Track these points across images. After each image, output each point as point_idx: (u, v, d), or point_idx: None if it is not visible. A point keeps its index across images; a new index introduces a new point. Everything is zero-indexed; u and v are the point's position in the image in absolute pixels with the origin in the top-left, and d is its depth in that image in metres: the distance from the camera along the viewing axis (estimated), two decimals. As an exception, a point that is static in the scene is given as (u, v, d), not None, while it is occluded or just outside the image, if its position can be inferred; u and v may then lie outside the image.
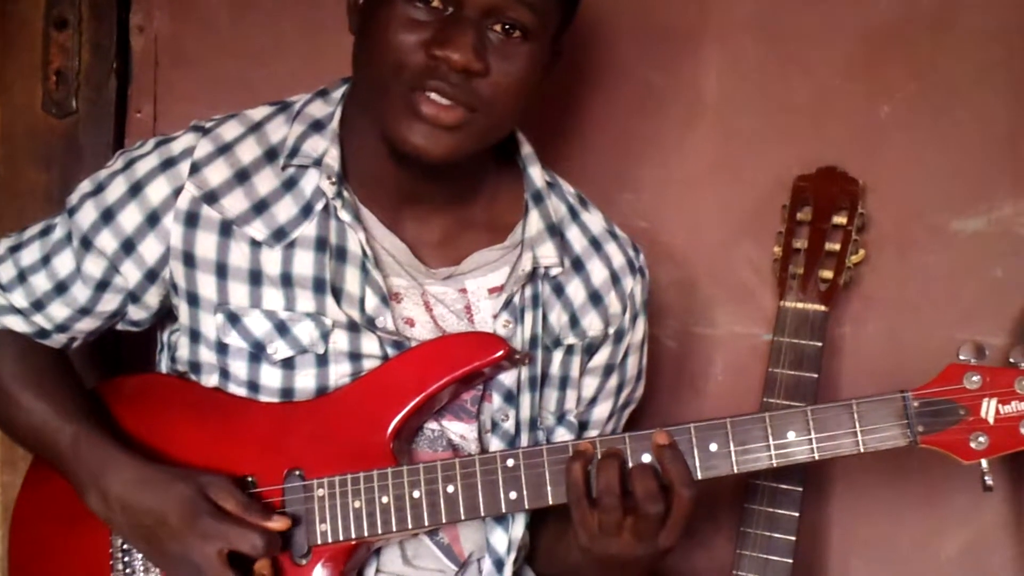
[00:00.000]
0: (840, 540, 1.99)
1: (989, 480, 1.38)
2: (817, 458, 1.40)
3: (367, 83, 1.46)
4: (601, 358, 1.67)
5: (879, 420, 1.39)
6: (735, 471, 1.41)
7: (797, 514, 1.79)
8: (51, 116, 2.03)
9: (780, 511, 1.79)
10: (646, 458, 1.41)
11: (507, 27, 1.40)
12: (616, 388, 1.70)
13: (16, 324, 1.59)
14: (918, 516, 1.96)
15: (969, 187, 1.93)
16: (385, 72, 1.41)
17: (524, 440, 1.57)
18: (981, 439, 1.37)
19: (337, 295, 1.50)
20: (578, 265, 1.63)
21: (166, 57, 2.05)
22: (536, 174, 1.62)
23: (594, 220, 1.67)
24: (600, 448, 1.43)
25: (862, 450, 1.39)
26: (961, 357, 1.39)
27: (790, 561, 1.78)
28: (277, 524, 1.45)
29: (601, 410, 1.70)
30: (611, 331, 1.65)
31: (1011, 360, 1.38)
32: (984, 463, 1.38)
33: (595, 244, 1.65)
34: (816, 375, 1.79)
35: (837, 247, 1.83)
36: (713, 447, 1.41)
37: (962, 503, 1.93)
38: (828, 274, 1.82)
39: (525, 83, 1.44)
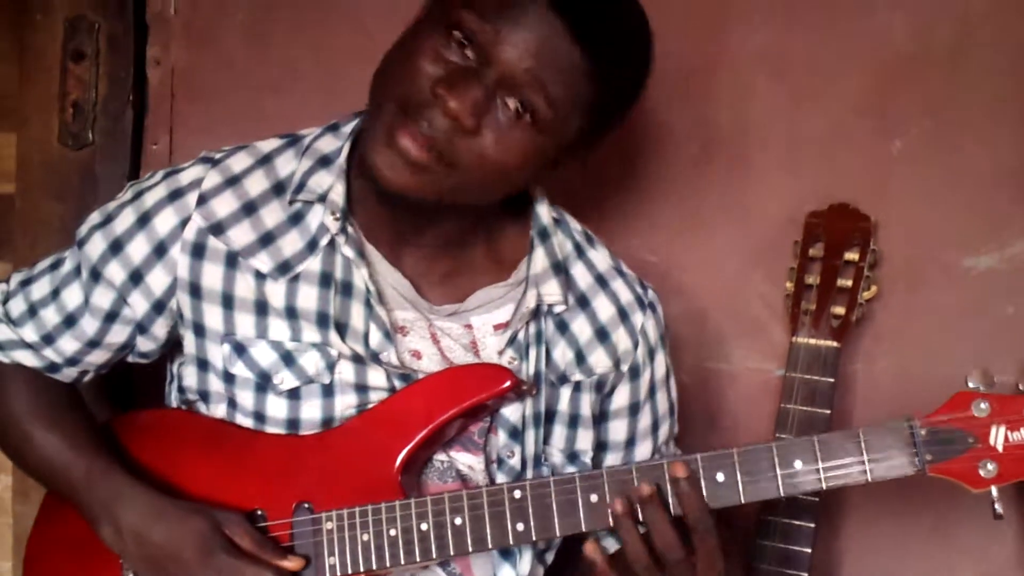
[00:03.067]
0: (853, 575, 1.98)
1: (999, 508, 1.37)
2: (825, 487, 1.39)
3: (372, 92, 1.44)
4: (622, 399, 1.66)
5: (886, 448, 1.38)
6: (743, 500, 1.40)
7: (809, 551, 1.78)
8: (67, 148, 2.05)
9: (793, 547, 1.78)
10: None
11: (520, 106, 1.38)
12: (651, 427, 1.70)
13: (27, 359, 1.60)
14: (930, 551, 1.94)
15: (981, 224, 1.92)
16: (389, 85, 1.40)
17: (530, 476, 1.56)
18: (990, 467, 1.36)
19: (341, 330, 1.50)
20: (583, 302, 1.62)
21: (182, 89, 2.07)
22: (543, 212, 1.62)
23: (600, 257, 1.66)
24: (608, 491, 1.42)
25: (870, 479, 1.38)
26: (970, 385, 1.38)
27: (803, 598, 1.78)
28: (292, 564, 1.45)
29: (642, 451, 1.69)
30: (624, 368, 1.64)
31: (1020, 388, 1.37)
32: (994, 491, 1.36)
33: (601, 281, 1.64)
34: (829, 411, 1.79)
35: (849, 283, 1.82)
36: (721, 477, 1.41)
37: (974, 539, 1.92)
38: (840, 310, 1.82)
39: (512, 163, 1.41)
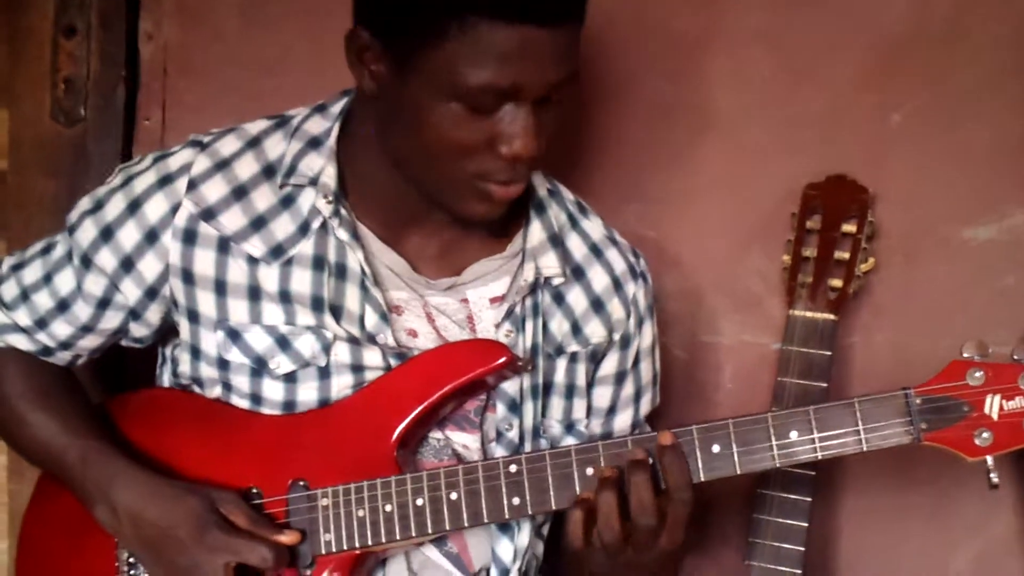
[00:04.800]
0: (849, 550, 1.98)
1: (995, 477, 1.37)
2: (820, 457, 1.39)
3: (415, 162, 1.45)
4: (610, 366, 1.66)
5: (882, 418, 1.38)
6: (738, 472, 1.41)
7: (806, 524, 1.78)
8: (59, 124, 2.04)
9: (789, 521, 1.78)
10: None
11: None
12: (634, 395, 1.70)
13: (20, 342, 1.60)
14: (928, 526, 1.95)
15: (980, 196, 1.91)
16: (445, 165, 1.41)
17: (528, 449, 1.56)
18: (985, 435, 1.36)
19: (336, 313, 1.50)
20: (579, 273, 1.62)
21: (175, 65, 2.05)
22: (538, 183, 1.61)
23: (594, 227, 1.66)
24: (604, 464, 1.42)
25: (865, 448, 1.38)
26: (964, 354, 1.39)
27: (799, 572, 1.77)
28: (287, 538, 1.45)
29: (622, 420, 1.70)
30: (616, 337, 1.64)
31: (1015, 357, 1.37)
32: (989, 460, 1.37)
33: (595, 251, 1.64)
34: (825, 384, 1.78)
35: (847, 256, 1.82)
36: (716, 448, 1.41)
37: (972, 513, 1.92)
38: (837, 283, 1.82)
39: (562, 122, 1.46)
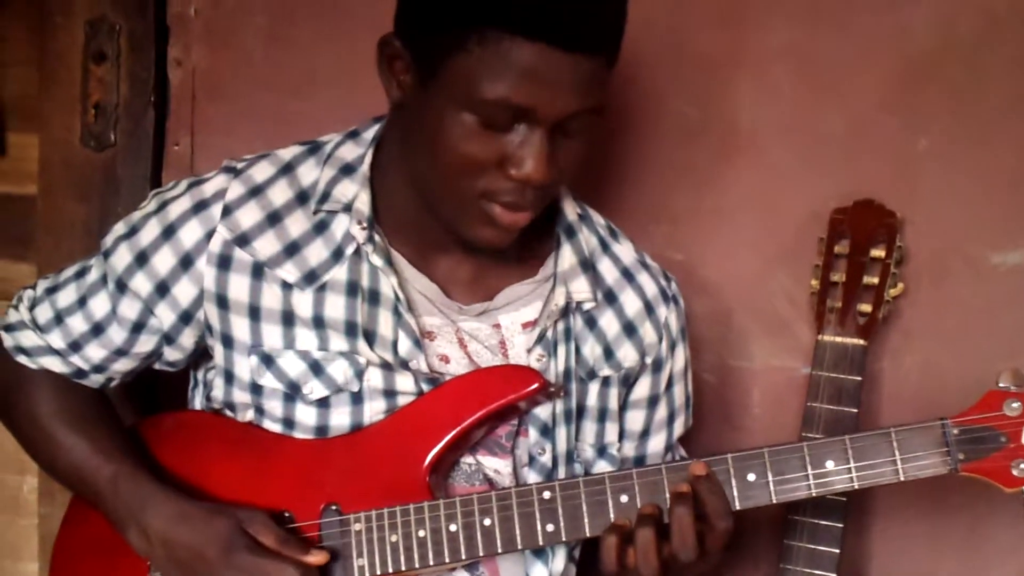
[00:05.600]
0: (881, 577, 1.97)
1: None
2: (857, 487, 1.39)
3: (429, 176, 1.44)
4: (642, 390, 1.66)
5: (919, 448, 1.38)
6: (773, 501, 1.41)
7: (838, 551, 1.77)
8: (89, 149, 2.04)
9: (821, 547, 1.77)
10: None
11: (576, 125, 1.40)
12: (667, 418, 1.70)
13: (54, 365, 1.60)
14: (960, 552, 1.93)
15: (1008, 220, 1.90)
16: (456, 181, 1.40)
17: (561, 473, 1.56)
18: (1023, 466, 1.36)
19: (370, 338, 1.50)
20: (611, 297, 1.62)
21: (203, 90, 2.06)
22: (568, 208, 1.62)
23: (625, 251, 1.66)
24: (639, 491, 1.43)
25: (902, 478, 1.38)
26: (1001, 384, 1.39)
27: (831, 598, 1.77)
28: (315, 558, 1.45)
29: (656, 443, 1.70)
30: (648, 361, 1.64)
31: None
32: None
33: (627, 275, 1.64)
34: (856, 410, 1.78)
35: (875, 280, 1.81)
36: (751, 477, 1.41)
37: (1005, 539, 1.90)
38: (867, 308, 1.81)
39: (579, 168, 1.45)
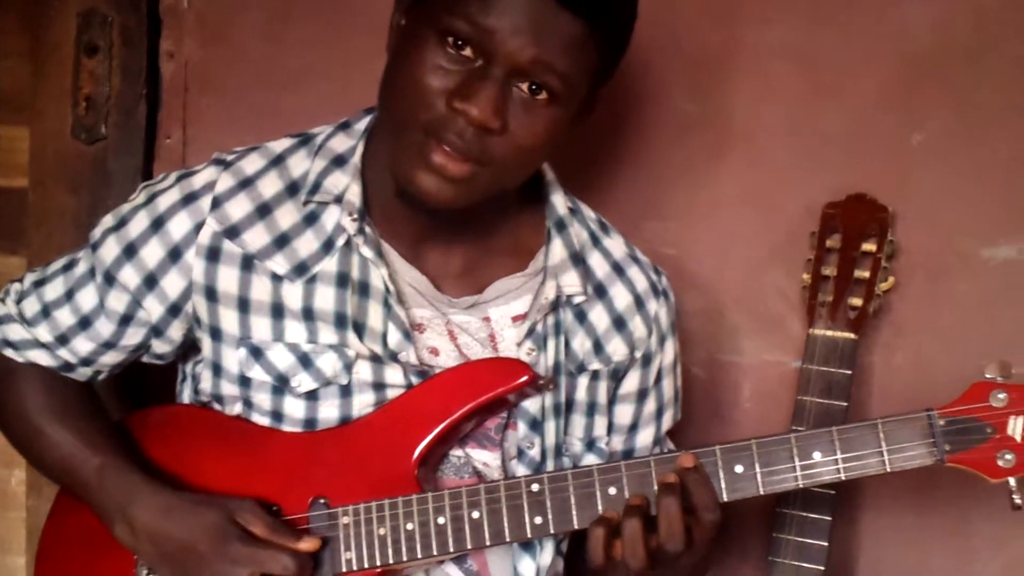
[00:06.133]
0: (869, 569, 1.97)
1: (1018, 499, 1.38)
2: (844, 478, 1.40)
3: (386, 113, 1.45)
4: (632, 384, 1.66)
5: (905, 439, 1.39)
6: (761, 492, 1.41)
7: (826, 543, 1.77)
8: (81, 142, 2.04)
9: (809, 540, 1.78)
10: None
11: (533, 87, 1.38)
12: (656, 412, 1.70)
13: (41, 358, 1.60)
14: (948, 544, 1.94)
15: (1000, 215, 1.91)
16: (405, 110, 1.39)
17: (550, 467, 1.56)
18: (1008, 457, 1.36)
19: (359, 330, 1.50)
20: (600, 291, 1.62)
21: (196, 83, 2.06)
22: (559, 201, 1.61)
23: (615, 245, 1.66)
24: (627, 484, 1.43)
25: (888, 469, 1.38)
26: (987, 376, 1.39)
27: (819, 591, 1.77)
28: (307, 545, 1.44)
29: (644, 436, 1.70)
30: (637, 355, 1.64)
31: None
32: (1012, 481, 1.37)
33: (617, 269, 1.64)
34: (846, 403, 1.78)
35: (867, 274, 1.81)
36: (739, 469, 1.41)
37: (993, 532, 1.91)
38: (857, 301, 1.81)
39: (542, 143, 1.42)
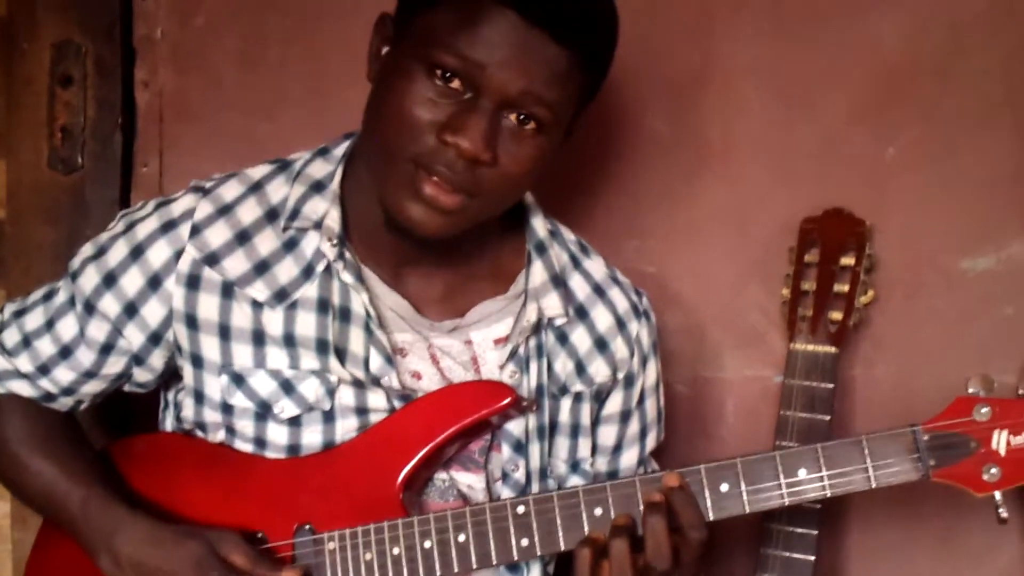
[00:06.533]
0: (857, 583, 1.98)
1: (1004, 513, 1.38)
2: (829, 495, 1.40)
3: (373, 143, 1.45)
4: (614, 405, 1.66)
5: (890, 455, 1.39)
6: (747, 511, 1.41)
7: (813, 558, 1.77)
8: (57, 172, 2.04)
9: (796, 555, 1.77)
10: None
11: (522, 117, 1.39)
12: (640, 433, 1.70)
13: (22, 389, 1.59)
14: (935, 557, 1.94)
15: (977, 226, 1.92)
16: (393, 142, 1.39)
17: (535, 489, 1.56)
18: (993, 471, 1.37)
19: (341, 355, 1.50)
20: (582, 313, 1.62)
21: (171, 112, 2.06)
22: (538, 224, 1.62)
23: (596, 267, 1.66)
24: (613, 504, 1.42)
25: (874, 485, 1.39)
26: (970, 390, 1.39)
27: (807, 605, 1.77)
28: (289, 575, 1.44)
29: (628, 457, 1.69)
30: (620, 376, 1.64)
31: (1020, 392, 1.38)
32: (998, 495, 1.37)
33: (598, 291, 1.64)
34: (828, 417, 1.78)
35: (846, 288, 1.82)
36: (724, 487, 1.41)
37: (979, 543, 1.91)
38: (837, 315, 1.82)
39: (530, 172, 1.43)
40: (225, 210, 1.52)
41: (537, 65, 1.36)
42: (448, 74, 1.36)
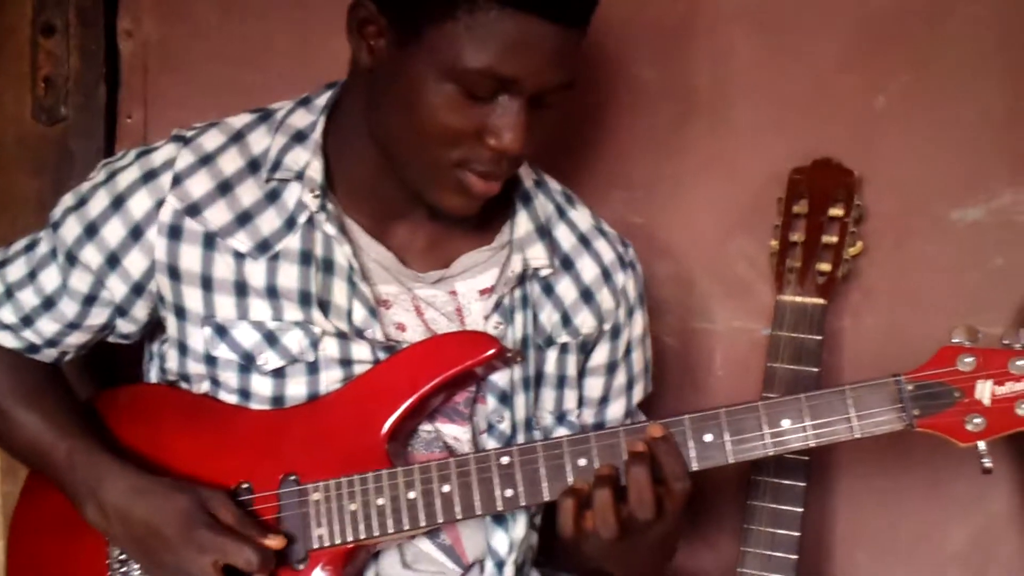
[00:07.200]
0: (845, 534, 1.98)
1: (988, 463, 1.37)
2: (813, 445, 1.39)
3: (404, 148, 1.44)
4: (601, 356, 1.66)
5: (874, 405, 1.38)
6: (731, 461, 1.41)
7: (801, 509, 1.77)
8: (41, 123, 2.03)
9: (784, 507, 1.78)
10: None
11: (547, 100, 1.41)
12: (626, 385, 1.70)
13: (6, 340, 1.59)
14: (923, 507, 1.95)
15: (967, 176, 1.91)
16: (431, 148, 1.40)
17: (520, 440, 1.56)
18: (977, 421, 1.36)
19: (324, 307, 1.49)
20: (567, 263, 1.62)
21: (155, 62, 2.04)
22: (524, 174, 1.61)
23: (582, 217, 1.66)
24: (597, 455, 1.42)
25: (858, 435, 1.38)
26: (954, 340, 1.38)
27: (795, 557, 1.77)
28: (273, 542, 1.44)
29: (615, 409, 1.69)
30: (606, 327, 1.64)
31: (1004, 342, 1.37)
32: (982, 445, 1.37)
33: (584, 241, 1.64)
34: (816, 369, 1.78)
35: (834, 240, 1.81)
36: (708, 438, 1.41)
37: (967, 493, 1.92)
38: (826, 267, 1.81)
39: (552, 131, 1.46)
40: (206, 160, 1.51)
41: (562, 58, 1.37)
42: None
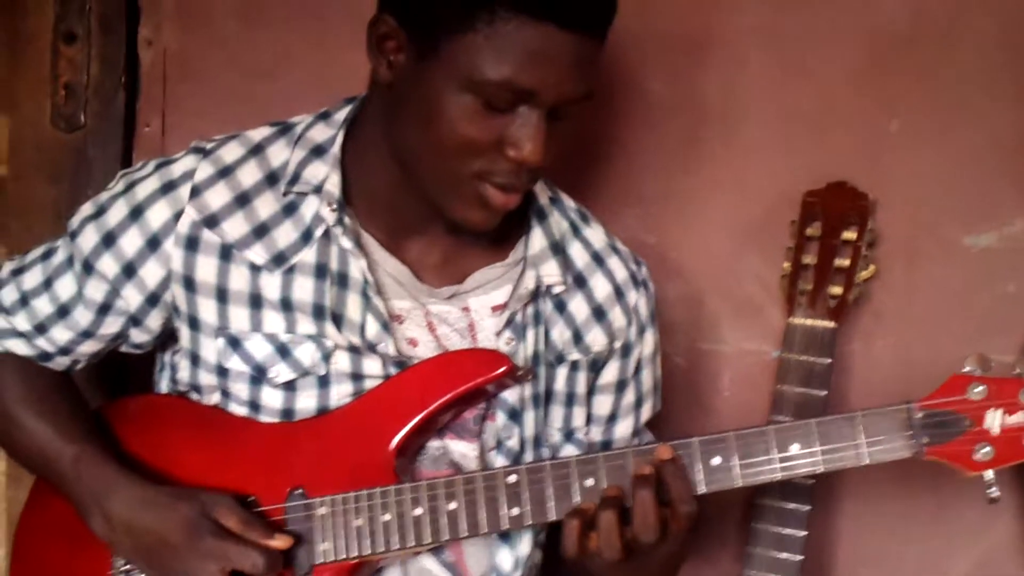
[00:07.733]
0: (848, 559, 1.98)
1: (995, 492, 1.37)
2: (822, 470, 1.39)
3: (424, 160, 1.44)
4: (611, 375, 1.66)
5: (884, 432, 1.38)
6: (739, 484, 1.40)
7: (804, 533, 1.77)
8: (60, 130, 2.04)
9: (787, 531, 1.78)
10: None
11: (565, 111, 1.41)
12: (635, 403, 1.70)
13: (19, 347, 1.60)
14: (927, 533, 1.94)
15: (980, 202, 1.91)
16: (450, 160, 1.40)
17: (528, 458, 1.56)
18: (986, 450, 1.36)
19: (337, 321, 1.49)
20: (580, 281, 1.62)
21: (175, 71, 2.05)
22: (540, 191, 1.61)
23: (596, 235, 1.66)
24: (605, 475, 1.42)
25: (867, 462, 1.38)
26: (966, 368, 1.38)
27: (798, 580, 1.77)
28: (278, 543, 1.44)
29: (623, 428, 1.69)
30: (616, 346, 1.64)
31: (1016, 371, 1.37)
32: (989, 474, 1.37)
33: (597, 259, 1.64)
34: (825, 392, 1.78)
35: (847, 263, 1.81)
36: (717, 461, 1.40)
37: (972, 520, 1.92)
38: (837, 290, 1.81)
39: (570, 142, 1.46)
40: (225, 172, 1.51)
41: (581, 68, 1.37)
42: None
